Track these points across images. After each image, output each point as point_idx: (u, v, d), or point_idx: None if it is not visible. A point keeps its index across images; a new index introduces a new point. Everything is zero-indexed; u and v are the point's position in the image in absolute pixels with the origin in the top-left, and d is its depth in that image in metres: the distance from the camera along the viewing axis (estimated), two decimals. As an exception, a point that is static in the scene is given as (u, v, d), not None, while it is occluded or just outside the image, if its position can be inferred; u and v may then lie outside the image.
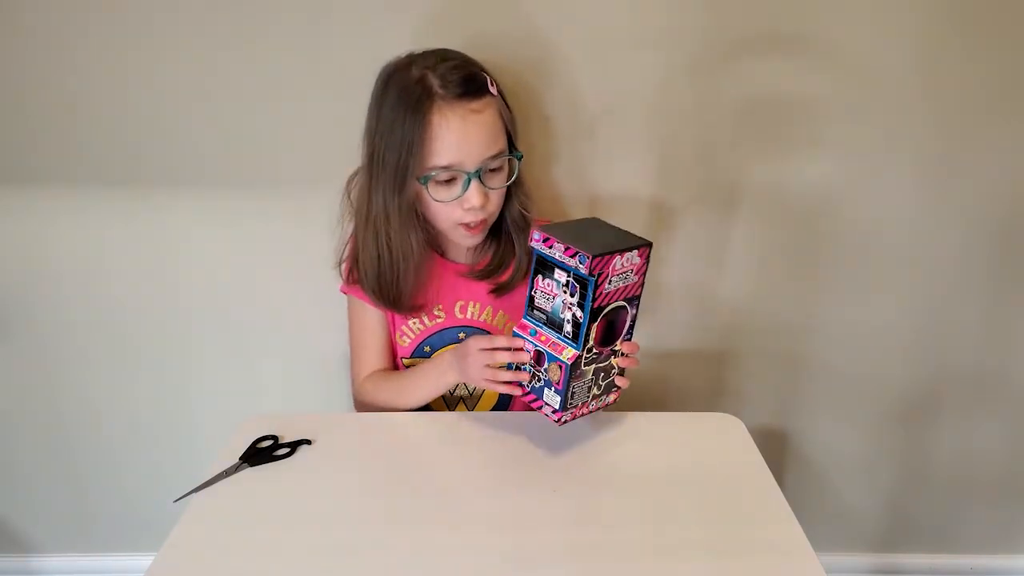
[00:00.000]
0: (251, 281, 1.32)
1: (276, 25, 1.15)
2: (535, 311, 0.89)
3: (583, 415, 0.90)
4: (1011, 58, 1.16)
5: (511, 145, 1.02)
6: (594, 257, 0.78)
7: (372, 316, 1.10)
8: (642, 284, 0.87)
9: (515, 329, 0.90)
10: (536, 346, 0.87)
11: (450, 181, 0.97)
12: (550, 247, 0.83)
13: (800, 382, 1.39)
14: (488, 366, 0.91)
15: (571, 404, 0.87)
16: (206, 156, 1.23)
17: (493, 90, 0.98)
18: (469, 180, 0.96)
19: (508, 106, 1.02)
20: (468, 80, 0.95)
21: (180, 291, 1.32)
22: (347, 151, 1.05)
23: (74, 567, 1.54)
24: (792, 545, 0.78)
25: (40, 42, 1.16)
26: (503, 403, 1.14)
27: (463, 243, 1.05)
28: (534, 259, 0.87)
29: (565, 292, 0.84)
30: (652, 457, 0.93)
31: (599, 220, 0.92)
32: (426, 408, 1.12)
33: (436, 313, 1.08)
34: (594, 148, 1.23)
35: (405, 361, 1.11)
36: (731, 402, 1.40)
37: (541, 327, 0.88)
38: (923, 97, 1.18)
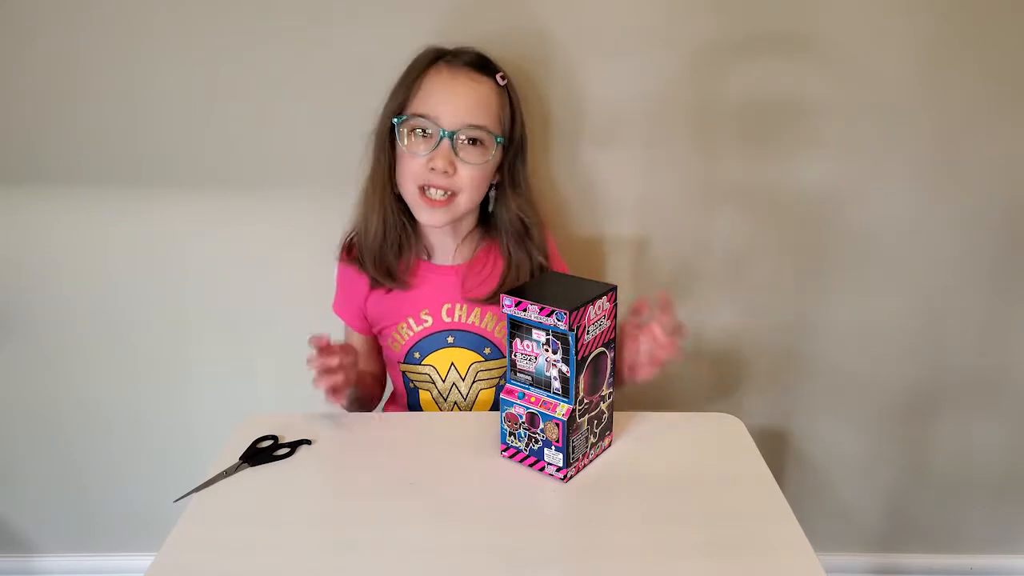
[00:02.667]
0: (251, 281, 1.32)
1: (278, 26, 1.15)
2: (519, 374, 0.88)
3: (585, 466, 0.90)
4: (1011, 58, 1.16)
5: (500, 135, 1.01)
6: (571, 312, 0.78)
7: (355, 340, 1.12)
8: (614, 327, 0.87)
9: (502, 395, 0.89)
10: (528, 408, 0.87)
11: (425, 137, 0.98)
12: (524, 310, 0.82)
13: (800, 382, 1.39)
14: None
15: (573, 459, 0.86)
16: (206, 156, 1.23)
17: (501, 81, 1.01)
18: (441, 138, 0.96)
19: (514, 107, 1.02)
20: (478, 58, 1.00)
21: (180, 291, 1.32)
22: (348, 152, 1.06)
23: (74, 567, 1.54)
24: (792, 545, 0.78)
25: (40, 43, 1.16)
26: (498, 407, 1.12)
27: (426, 220, 1.02)
28: (508, 324, 0.86)
29: (547, 350, 0.84)
30: (652, 457, 0.93)
31: (555, 274, 0.94)
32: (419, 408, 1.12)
33: (423, 317, 1.07)
34: (594, 149, 1.23)
35: (401, 367, 1.11)
36: (731, 402, 1.40)
37: (528, 388, 0.88)
38: (923, 97, 1.18)
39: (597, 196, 1.26)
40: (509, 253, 1.07)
